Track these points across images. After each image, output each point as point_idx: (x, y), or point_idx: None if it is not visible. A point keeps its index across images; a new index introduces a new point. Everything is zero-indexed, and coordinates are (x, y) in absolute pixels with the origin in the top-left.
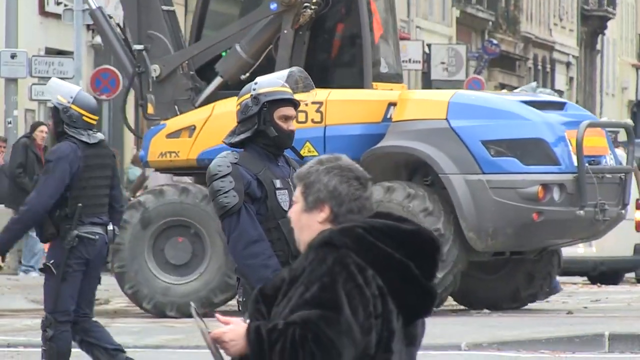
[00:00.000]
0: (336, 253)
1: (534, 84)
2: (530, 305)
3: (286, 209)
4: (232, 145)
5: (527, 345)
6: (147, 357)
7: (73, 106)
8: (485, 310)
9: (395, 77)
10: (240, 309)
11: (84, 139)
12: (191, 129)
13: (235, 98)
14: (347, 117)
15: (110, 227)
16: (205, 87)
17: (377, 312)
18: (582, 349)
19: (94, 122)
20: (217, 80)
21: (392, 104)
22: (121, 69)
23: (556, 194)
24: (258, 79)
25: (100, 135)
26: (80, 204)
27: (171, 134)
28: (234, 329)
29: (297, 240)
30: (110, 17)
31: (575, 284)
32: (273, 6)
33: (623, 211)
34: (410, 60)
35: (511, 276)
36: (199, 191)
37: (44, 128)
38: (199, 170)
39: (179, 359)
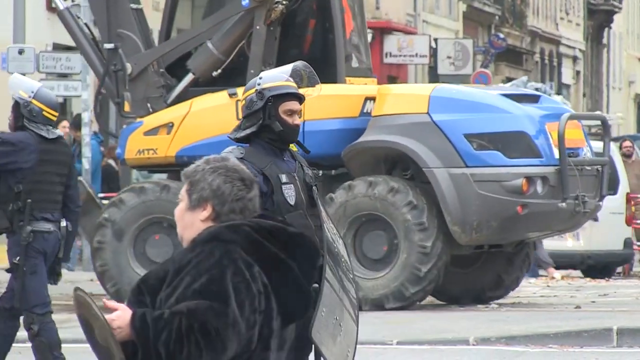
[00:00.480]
0: (224, 247)
1: (524, 78)
2: (539, 300)
3: (292, 203)
4: (238, 140)
5: (536, 340)
6: None
7: (34, 101)
8: (494, 305)
9: (366, 72)
10: None
11: (43, 133)
12: (169, 126)
13: (211, 95)
14: (325, 112)
15: (63, 223)
16: (176, 84)
17: (261, 308)
18: (591, 344)
19: (54, 118)
20: (189, 77)
21: (369, 99)
22: (92, 69)
23: (539, 187)
24: (263, 74)
25: (58, 132)
26: (29, 200)
27: (149, 132)
28: (121, 315)
29: (179, 237)
30: (79, 17)
31: (582, 277)
32: (245, 2)
33: (600, 203)
34: (416, 54)
35: (485, 270)
36: (156, 185)
37: (65, 123)
38: (177, 167)
39: None
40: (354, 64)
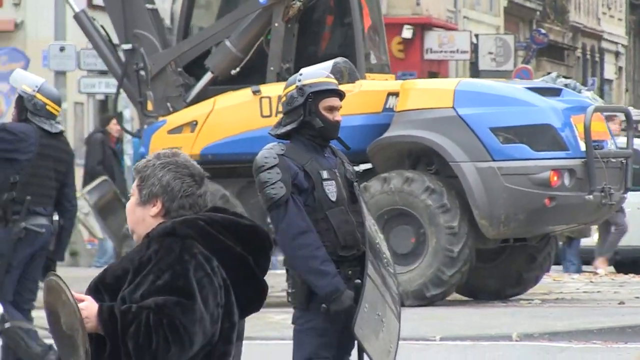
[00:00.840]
0: (182, 243)
1: (554, 74)
2: (582, 295)
3: (334, 199)
4: (278, 136)
5: (579, 336)
6: None
7: (38, 95)
8: (537, 300)
9: (384, 68)
10: (289, 300)
11: (46, 127)
12: (193, 124)
13: (234, 92)
14: (348, 108)
15: (55, 217)
16: (195, 83)
17: (221, 302)
18: (634, 339)
19: (57, 113)
20: (208, 76)
21: (391, 94)
22: (110, 71)
23: (567, 179)
24: (303, 70)
25: (61, 127)
26: (29, 197)
27: (172, 130)
28: (89, 306)
29: (131, 231)
30: (94, 19)
31: (627, 274)
32: (262, 0)
33: (625, 195)
34: (457, 50)
35: (509, 264)
36: None
37: (115, 121)
38: (202, 165)
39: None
40: (372, 60)
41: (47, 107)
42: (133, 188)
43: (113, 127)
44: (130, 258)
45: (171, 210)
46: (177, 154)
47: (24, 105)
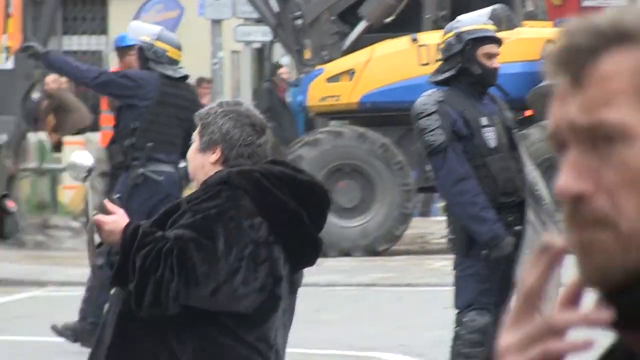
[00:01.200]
0: (231, 192)
1: None
2: None
3: (493, 146)
4: (437, 83)
5: None
6: (359, 295)
7: (157, 42)
8: None
9: (541, 15)
10: (450, 246)
11: (169, 72)
12: (350, 72)
13: (392, 40)
14: (506, 55)
15: (182, 164)
16: (349, 31)
17: (261, 258)
18: None
19: (179, 58)
20: (362, 24)
21: (549, 41)
22: (264, 20)
23: None
24: (460, 17)
25: (184, 71)
26: (150, 143)
27: (330, 78)
28: (117, 220)
29: (191, 177)
30: None
31: None
32: None
33: None
34: None
35: None
36: (353, 132)
37: (283, 70)
38: (361, 113)
39: (390, 296)
40: (529, 7)
41: (168, 53)
42: (194, 135)
43: (282, 76)
44: (184, 200)
45: (230, 158)
46: (239, 103)
47: (145, 55)
